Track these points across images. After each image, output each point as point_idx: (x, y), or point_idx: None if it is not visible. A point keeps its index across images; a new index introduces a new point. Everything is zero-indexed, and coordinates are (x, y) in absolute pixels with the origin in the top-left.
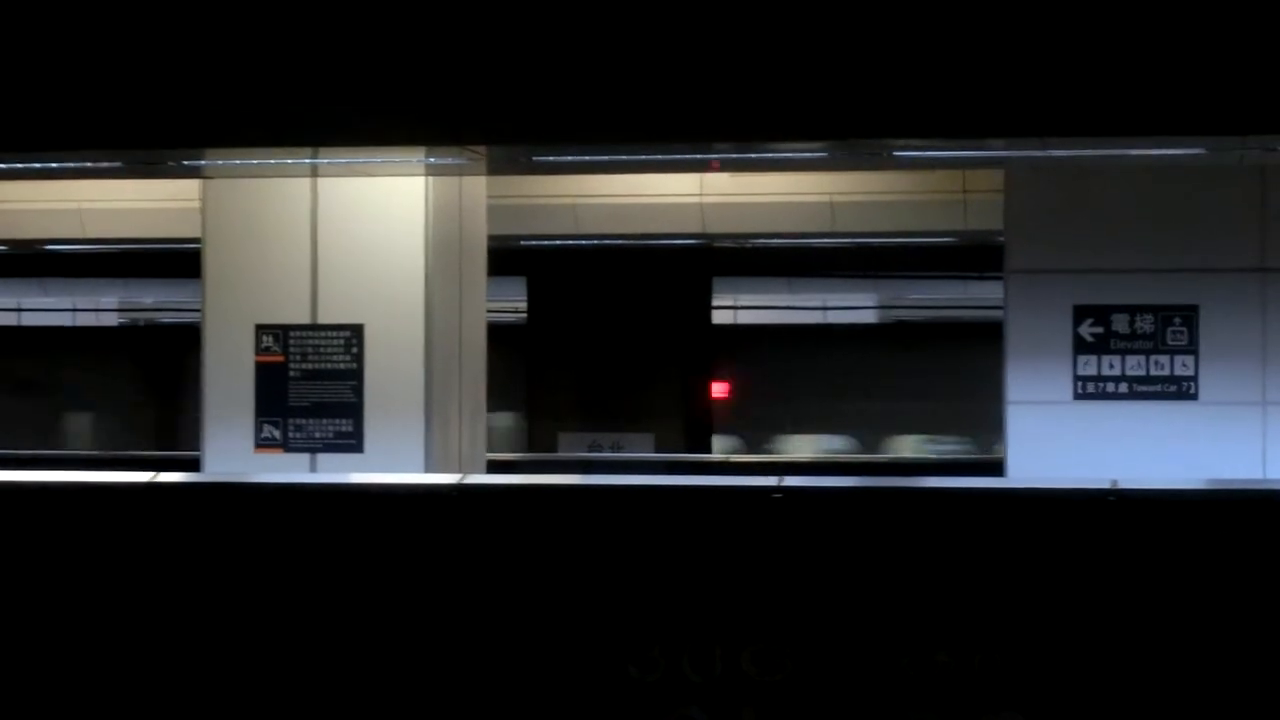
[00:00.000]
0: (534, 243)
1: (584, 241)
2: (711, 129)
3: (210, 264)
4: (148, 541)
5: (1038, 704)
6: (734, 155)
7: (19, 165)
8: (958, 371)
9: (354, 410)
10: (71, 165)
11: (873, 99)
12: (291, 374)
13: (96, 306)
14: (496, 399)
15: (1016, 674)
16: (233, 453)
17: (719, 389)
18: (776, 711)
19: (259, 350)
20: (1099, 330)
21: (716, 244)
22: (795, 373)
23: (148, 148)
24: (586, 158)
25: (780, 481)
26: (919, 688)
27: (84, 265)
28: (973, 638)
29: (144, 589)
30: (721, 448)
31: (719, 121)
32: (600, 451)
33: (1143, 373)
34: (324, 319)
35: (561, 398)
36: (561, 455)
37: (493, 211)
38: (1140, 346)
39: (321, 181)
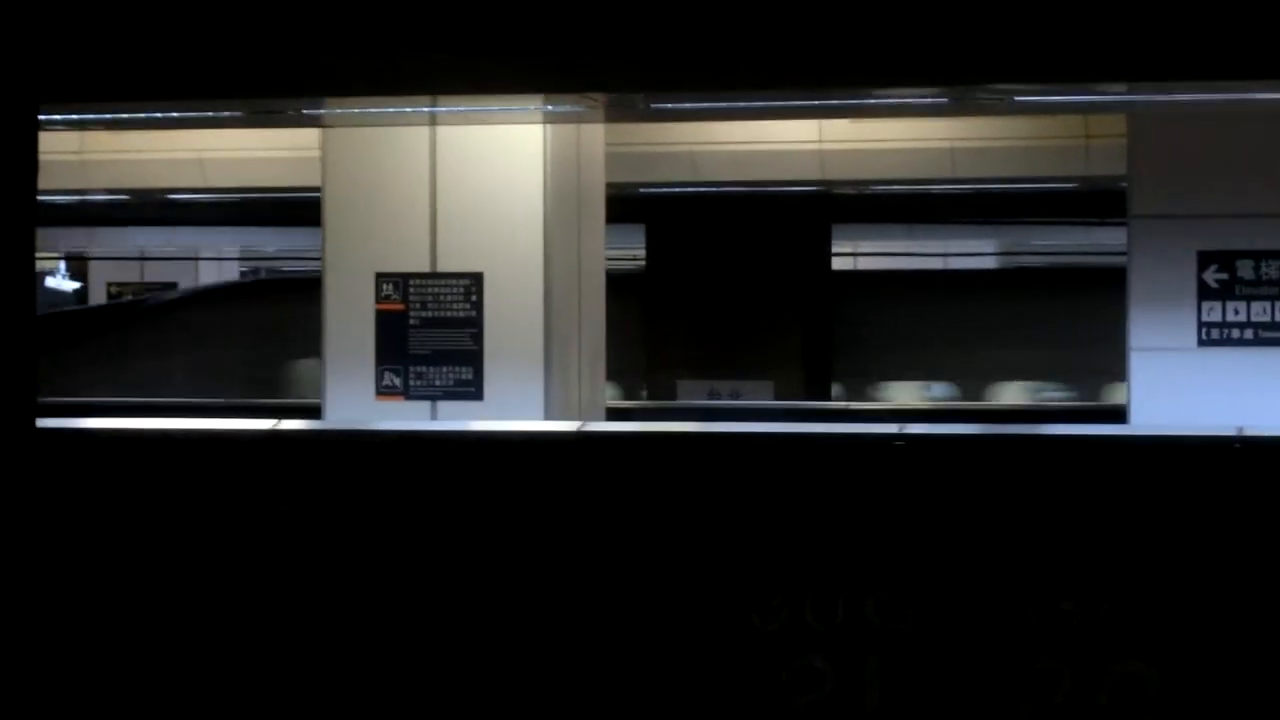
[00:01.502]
0: (652, 190)
1: (703, 189)
2: (830, 75)
3: (330, 213)
4: (270, 490)
5: (1164, 653)
6: (853, 102)
7: (142, 115)
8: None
9: (474, 358)
10: (193, 115)
11: (993, 43)
12: (412, 322)
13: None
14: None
15: (1143, 624)
16: (354, 400)
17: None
18: (901, 660)
19: (379, 298)
20: (1224, 276)
21: (836, 191)
22: (911, 319)
23: (268, 96)
24: (704, 105)
25: (902, 429)
26: (1045, 637)
27: None
28: (1099, 586)
29: (267, 538)
30: (838, 395)
31: (837, 67)
32: (718, 399)
33: (1268, 319)
34: (443, 267)
35: (680, 346)
36: (680, 403)
37: (611, 159)
38: (1266, 292)
39: (440, 130)
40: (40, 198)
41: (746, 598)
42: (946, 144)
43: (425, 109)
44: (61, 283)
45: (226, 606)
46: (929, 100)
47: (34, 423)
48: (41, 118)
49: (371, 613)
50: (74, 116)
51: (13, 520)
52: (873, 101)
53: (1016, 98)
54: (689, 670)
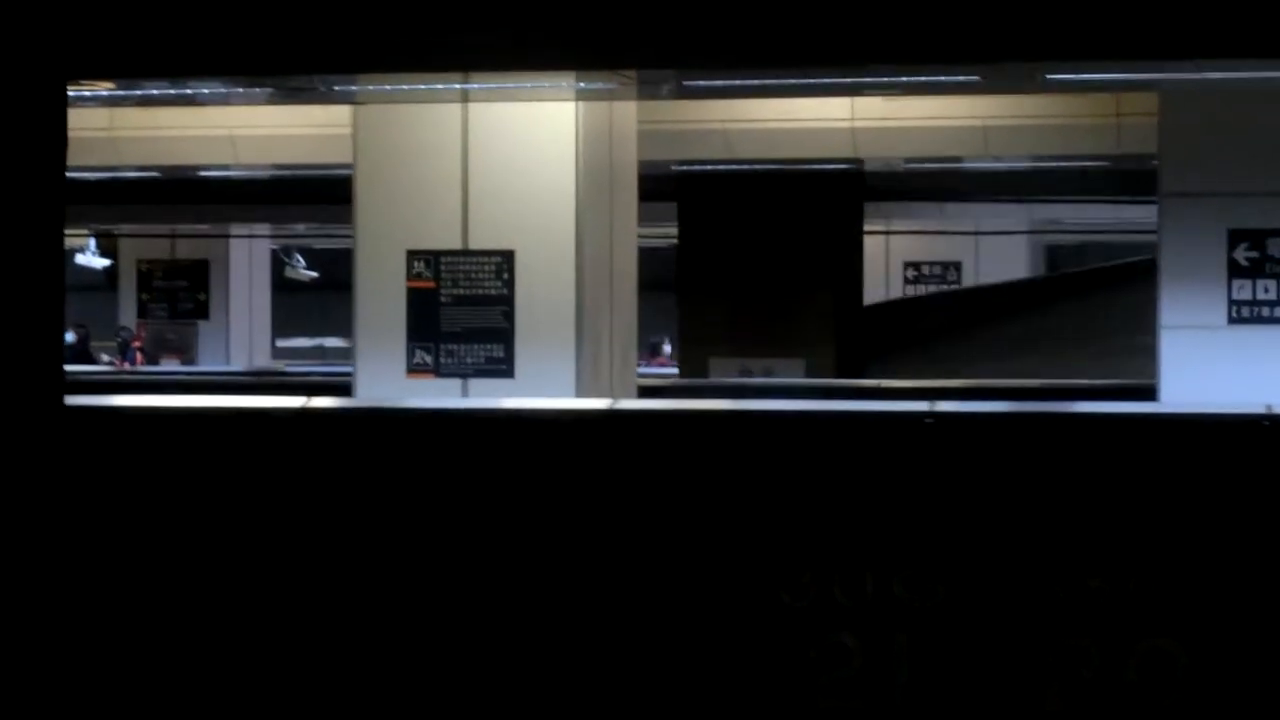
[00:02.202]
0: (685, 168)
1: (735, 166)
2: (863, 52)
3: (362, 190)
4: (301, 467)
5: (1192, 631)
6: (886, 80)
7: (173, 91)
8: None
9: (505, 336)
10: (224, 91)
11: (1025, 21)
12: (443, 299)
13: None
14: None
15: (1170, 601)
16: (385, 377)
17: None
18: (929, 637)
19: (410, 276)
20: (1254, 254)
21: (868, 168)
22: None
23: (301, 73)
24: (736, 82)
25: (932, 407)
26: (1073, 614)
27: None
28: (1126, 564)
29: (298, 514)
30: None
31: (870, 45)
32: (751, 377)
33: None
34: (475, 245)
35: (712, 323)
36: (713, 380)
37: (643, 137)
38: None
39: (472, 107)
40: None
41: (776, 575)
42: (979, 122)
43: (457, 86)
44: (91, 260)
45: (253, 583)
46: (962, 78)
47: (62, 400)
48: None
49: (403, 589)
50: (105, 93)
51: (42, 496)
52: (905, 80)
53: (1049, 75)
54: (719, 647)
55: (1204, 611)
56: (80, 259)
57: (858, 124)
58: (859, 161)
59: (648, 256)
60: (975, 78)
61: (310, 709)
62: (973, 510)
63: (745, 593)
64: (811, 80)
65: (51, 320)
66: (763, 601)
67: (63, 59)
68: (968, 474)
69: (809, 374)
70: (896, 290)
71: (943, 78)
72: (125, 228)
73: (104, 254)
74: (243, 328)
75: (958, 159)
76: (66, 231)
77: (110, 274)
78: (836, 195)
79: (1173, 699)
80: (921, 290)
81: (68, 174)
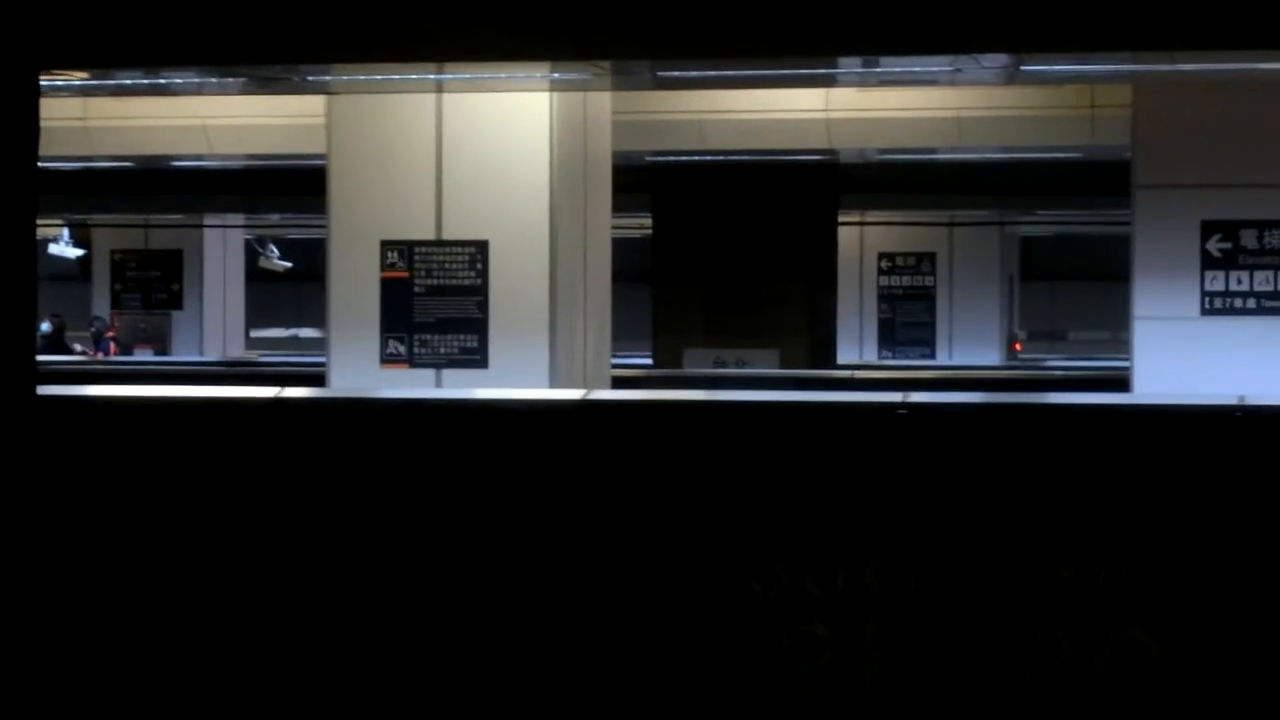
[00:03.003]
0: (659, 159)
1: (710, 157)
2: (837, 42)
3: (335, 181)
4: (274, 457)
5: (1163, 620)
6: (859, 70)
7: (144, 81)
8: None
9: (479, 326)
10: (197, 81)
11: (1000, 11)
12: (416, 290)
13: None
14: None
15: (1141, 590)
16: (359, 367)
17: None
18: (900, 628)
19: (384, 266)
20: (1227, 245)
21: (842, 159)
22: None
23: (274, 63)
24: (711, 73)
25: (905, 398)
26: (1043, 604)
27: None
28: (1097, 554)
29: (270, 504)
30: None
31: (844, 35)
32: (725, 367)
33: (1271, 288)
34: (449, 235)
35: (686, 314)
36: (687, 371)
37: (618, 127)
38: (1269, 262)
39: (446, 97)
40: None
41: (748, 565)
42: (953, 113)
43: (431, 76)
44: (65, 250)
45: (226, 572)
46: (936, 69)
47: (34, 389)
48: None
49: (377, 578)
50: (79, 83)
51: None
52: (879, 70)
53: (1024, 66)
54: (690, 637)
55: (1174, 602)
56: (54, 249)
57: (832, 115)
58: (833, 152)
59: (638, 247)
60: (949, 68)
61: (289, 696)
62: (945, 501)
63: (718, 582)
64: (785, 71)
65: (23, 310)
66: (735, 591)
67: (35, 49)
68: (940, 465)
69: (783, 365)
70: (871, 280)
71: (917, 68)
72: (99, 218)
73: (77, 244)
74: (216, 318)
75: (932, 150)
76: (40, 221)
77: (84, 264)
78: (811, 186)
79: (1144, 689)
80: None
81: (40, 164)
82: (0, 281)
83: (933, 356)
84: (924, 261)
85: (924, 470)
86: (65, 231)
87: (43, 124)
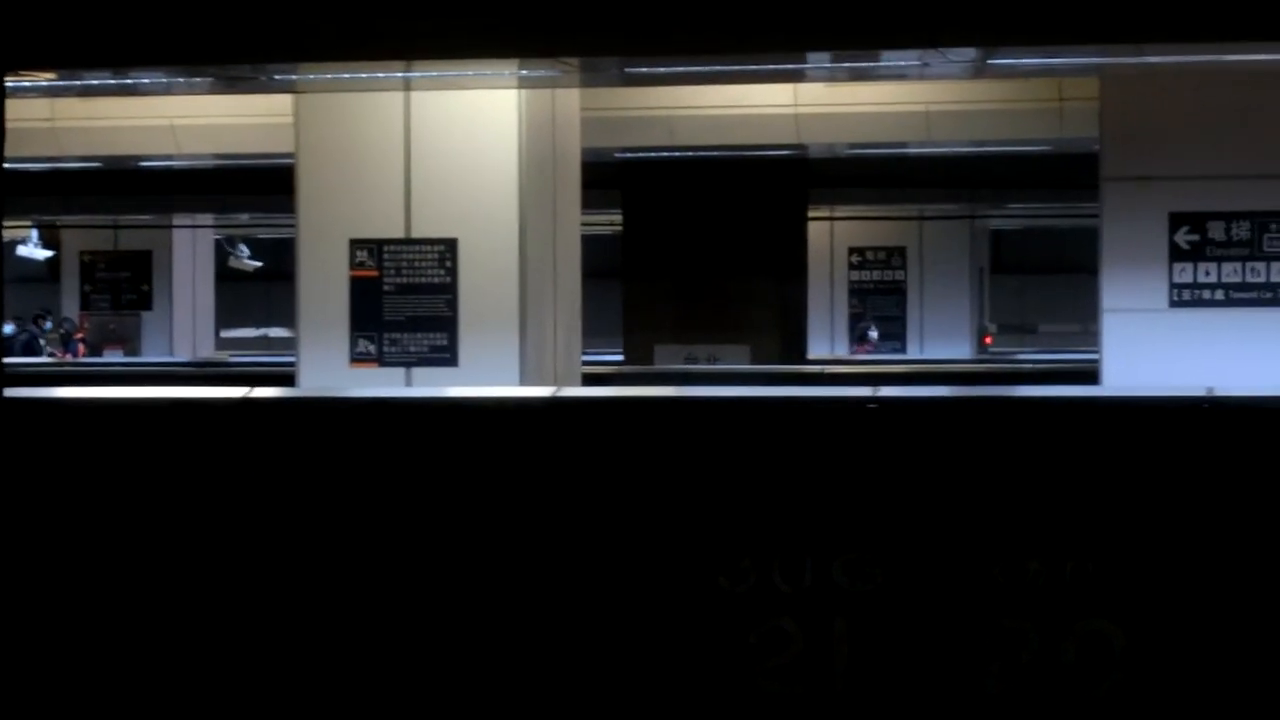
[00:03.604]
0: (629, 155)
1: (679, 153)
2: (805, 37)
3: (304, 179)
4: (243, 457)
5: (1130, 612)
6: (827, 65)
7: (111, 82)
8: None
9: (448, 324)
10: (165, 81)
11: (968, 5)
12: (386, 288)
13: None
14: None
15: (1109, 582)
16: (328, 366)
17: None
18: (868, 622)
19: (353, 265)
20: (1195, 237)
21: (812, 154)
22: None
23: (239, 62)
24: (679, 69)
25: (875, 392)
26: (1011, 596)
27: None
28: (1065, 546)
29: (241, 505)
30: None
31: (813, 30)
32: (696, 364)
33: (1239, 279)
34: (418, 233)
35: (657, 310)
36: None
37: (586, 124)
38: (1236, 253)
39: (414, 95)
40: None
41: (715, 561)
42: (922, 107)
43: (399, 74)
44: (34, 251)
45: (198, 573)
46: (904, 63)
47: (0, 392)
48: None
49: (347, 578)
50: (46, 84)
51: None
52: (848, 65)
53: (991, 60)
54: (658, 633)
55: (1141, 594)
56: (22, 250)
57: (801, 110)
58: (803, 147)
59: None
60: (917, 63)
61: (264, 694)
62: (914, 494)
63: (685, 578)
64: (753, 66)
65: None
66: (702, 587)
67: (1, 50)
68: (909, 459)
69: (754, 360)
70: (842, 274)
71: (885, 63)
72: (67, 219)
73: (46, 245)
74: (186, 318)
75: (901, 144)
76: (7, 223)
77: (53, 265)
78: (780, 181)
79: (1111, 680)
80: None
81: (7, 165)
82: None
83: (903, 351)
84: (894, 256)
85: (893, 464)
86: (34, 233)
87: (10, 125)
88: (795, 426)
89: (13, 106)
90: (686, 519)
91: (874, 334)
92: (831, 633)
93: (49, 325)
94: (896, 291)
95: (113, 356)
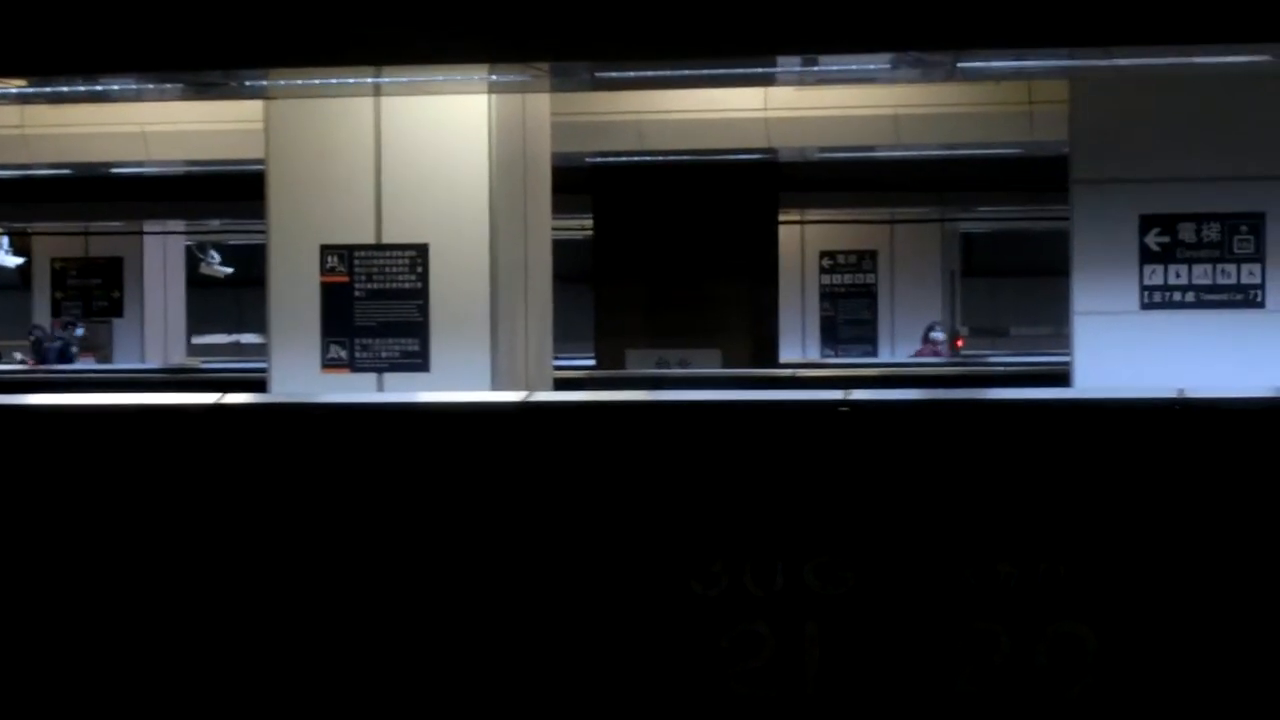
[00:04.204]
0: (599, 159)
1: (649, 158)
2: (774, 41)
3: (274, 185)
4: (215, 464)
5: (1102, 614)
6: (797, 69)
7: (82, 88)
8: None
9: (420, 330)
10: (135, 87)
11: (937, 9)
12: (357, 294)
13: None
14: None
15: (1081, 584)
16: (300, 372)
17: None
18: (839, 625)
19: (324, 270)
20: (1165, 240)
21: (782, 158)
22: None
23: (209, 68)
24: (649, 73)
25: (847, 395)
26: (982, 599)
27: None
28: (1037, 548)
29: (212, 512)
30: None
31: (782, 34)
32: (667, 368)
33: (1209, 281)
34: (389, 239)
35: (629, 315)
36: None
37: (557, 129)
38: (1207, 255)
39: (385, 100)
40: None
41: (687, 565)
42: (890, 111)
43: (369, 80)
44: (4, 259)
45: (170, 579)
46: (874, 67)
47: None
48: None
49: (319, 583)
50: (15, 90)
51: None
52: (817, 69)
53: (961, 63)
54: (630, 638)
55: (1113, 596)
56: None
57: (771, 114)
58: (773, 151)
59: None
60: (886, 66)
61: (235, 697)
62: (885, 497)
63: (655, 582)
64: (723, 70)
65: None
66: (673, 591)
67: None
68: (881, 461)
69: (726, 365)
70: (813, 278)
71: (854, 66)
72: (38, 225)
73: (18, 252)
74: (158, 325)
75: (871, 148)
76: None
77: (24, 272)
78: (751, 185)
79: (1083, 683)
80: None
81: None
82: None
83: (875, 354)
84: (865, 259)
85: (865, 467)
86: (4, 240)
87: None
88: (767, 430)
89: None
90: (657, 523)
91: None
92: (803, 636)
93: (80, 331)
94: (868, 295)
95: (85, 364)
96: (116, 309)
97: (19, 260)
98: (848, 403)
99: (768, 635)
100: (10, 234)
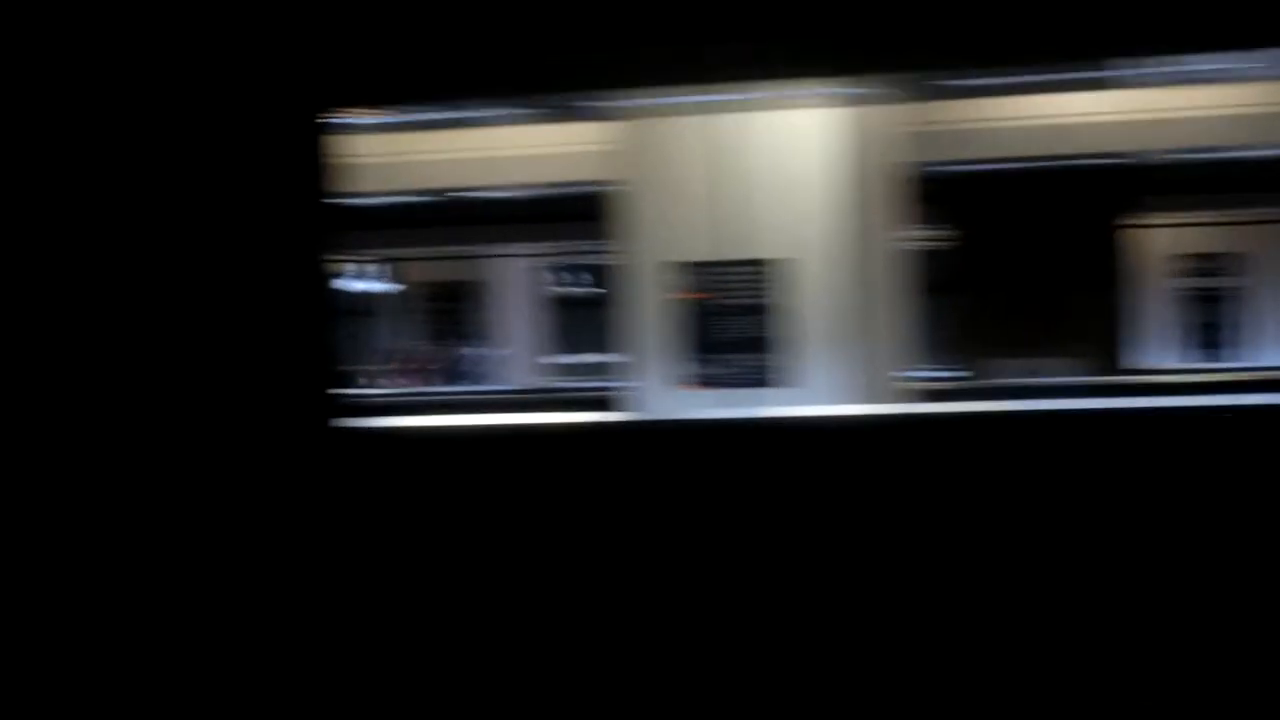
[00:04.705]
0: (951, 169)
1: (990, 166)
2: (1134, 42)
3: (627, 205)
4: (603, 483)
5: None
6: (1168, 70)
7: (439, 116)
8: None
9: (775, 345)
10: (489, 113)
11: None
12: (710, 310)
13: None
14: None
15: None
16: (655, 391)
17: None
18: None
19: (679, 288)
20: None
21: (1137, 162)
22: None
23: (562, 91)
24: (995, 80)
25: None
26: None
27: None
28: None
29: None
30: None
31: (1139, 34)
32: (1031, 377)
33: None
34: (742, 254)
35: (985, 324)
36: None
37: (915, 138)
38: None
39: (735, 117)
40: None
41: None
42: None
43: (719, 97)
44: (370, 285)
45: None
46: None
47: (329, 422)
48: (360, 121)
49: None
50: (368, 121)
51: (310, 514)
52: (1189, 68)
53: None
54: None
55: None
56: (359, 285)
57: (1126, 117)
58: (1126, 155)
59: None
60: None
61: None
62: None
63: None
64: (1069, 75)
65: (323, 343)
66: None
67: (322, 90)
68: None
69: (1082, 372)
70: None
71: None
72: (403, 251)
73: (386, 278)
74: (513, 348)
75: (1232, 148)
76: (354, 256)
77: (387, 298)
78: (1105, 189)
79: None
80: None
81: (348, 200)
82: (306, 316)
83: (1236, 358)
84: (1226, 262)
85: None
86: (371, 268)
87: (357, 160)
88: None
89: (355, 143)
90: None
91: None
92: None
93: (466, 353)
94: (1225, 299)
95: (437, 387)
96: (481, 331)
97: (389, 286)
98: (1230, 409)
99: None
100: (384, 260)
